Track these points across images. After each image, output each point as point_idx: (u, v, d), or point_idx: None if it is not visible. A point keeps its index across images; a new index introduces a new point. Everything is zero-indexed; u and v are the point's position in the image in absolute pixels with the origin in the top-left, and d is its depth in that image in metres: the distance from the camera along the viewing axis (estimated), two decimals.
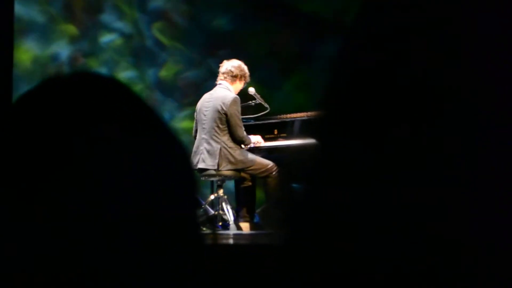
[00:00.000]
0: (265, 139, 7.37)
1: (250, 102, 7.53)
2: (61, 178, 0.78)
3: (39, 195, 0.78)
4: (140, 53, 9.37)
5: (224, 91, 7.01)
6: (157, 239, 0.80)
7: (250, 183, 7.26)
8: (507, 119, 0.68)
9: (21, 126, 0.83)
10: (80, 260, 0.77)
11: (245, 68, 7.12)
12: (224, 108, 6.87)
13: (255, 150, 7.20)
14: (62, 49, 8.91)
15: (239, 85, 7.10)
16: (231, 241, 5.66)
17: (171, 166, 0.84)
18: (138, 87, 8.72)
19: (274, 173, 6.97)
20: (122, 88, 0.87)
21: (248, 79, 7.14)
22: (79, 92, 0.85)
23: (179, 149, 0.87)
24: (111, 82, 0.88)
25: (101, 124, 0.82)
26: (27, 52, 8.67)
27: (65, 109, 0.82)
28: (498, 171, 0.67)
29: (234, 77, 7.07)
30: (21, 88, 7.58)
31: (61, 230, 0.77)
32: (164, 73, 9.47)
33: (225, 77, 7.09)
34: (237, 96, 7.00)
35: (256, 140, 7.23)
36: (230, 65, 7.11)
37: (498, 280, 0.67)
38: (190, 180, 0.87)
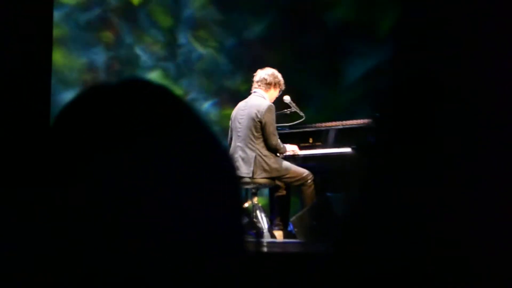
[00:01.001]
0: (300, 148, 7.37)
1: (286, 110, 7.53)
2: (107, 184, 0.78)
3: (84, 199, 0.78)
4: (176, 60, 9.43)
5: (259, 99, 7.02)
6: (201, 243, 0.79)
7: (284, 192, 7.26)
8: None
9: (67, 134, 0.82)
10: (119, 260, 0.77)
11: (279, 75, 7.12)
12: (259, 116, 6.88)
13: (290, 158, 7.19)
14: (98, 56, 8.99)
15: (274, 93, 7.10)
16: (265, 249, 5.65)
17: (219, 175, 0.84)
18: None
19: (309, 181, 6.96)
20: (172, 96, 0.87)
21: (283, 86, 7.14)
22: (128, 100, 0.84)
23: (225, 158, 0.87)
24: (161, 90, 0.87)
25: (149, 132, 0.81)
26: (63, 58, 8.76)
27: (112, 118, 0.82)
28: None
29: (268, 84, 7.08)
30: (57, 94, 7.69)
31: (111, 230, 0.77)
32: (199, 81, 9.51)
33: (259, 85, 7.10)
34: (272, 104, 7.01)
35: (292, 149, 7.23)
36: (264, 73, 7.12)
37: (498, 280, 0.67)
38: (236, 186, 0.86)
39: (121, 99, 0.84)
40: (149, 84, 0.87)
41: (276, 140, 6.96)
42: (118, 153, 0.79)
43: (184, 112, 0.86)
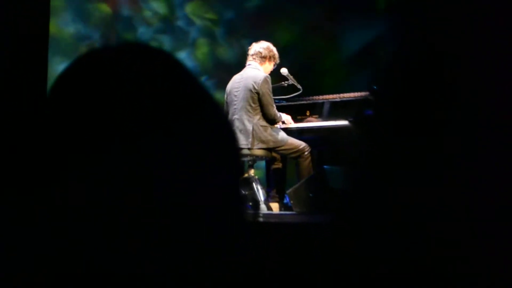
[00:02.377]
0: (297, 120, 7.36)
1: (283, 83, 7.52)
2: (106, 149, 0.78)
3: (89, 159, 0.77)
4: (173, 33, 9.38)
5: (254, 71, 7.02)
6: (202, 210, 0.79)
7: (280, 164, 7.28)
8: None
9: (67, 99, 0.82)
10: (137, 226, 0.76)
11: (274, 49, 7.11)
12: (256, 87, 6.87)
13: (286, 130, 7.19)
14: (95, 28, 8.95)
15: (268, 67, 7.09)
16: (261, 219, 5.66)
17: (219, 142, 0.83)
18: None
19: (306, 153, 6.97)
20: (173, 61, 0.85)
21: (277, 60, 7.12)
22: (127, 63, 0.83)
23: (225, 124, 0.86)
24: (161, 54, 0.86)
25: (149, 96, 0.81)
26: (60, 30, 8.71)
27: (111, 80, 0.81)
28: None
29: (263, 58, 7.07)
30: (54, 65, 7.64)
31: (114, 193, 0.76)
32: (196, 53, 9.47)
33: (254, 58, 7.09)
34: (268, 75, 7.00)
35: (286, 119, 7.24)
36: (259, 46, 7.10)
37: (498, 280, 0.67)
38: (237, 156, 0.86)
39: (121, 62, 0.83)
40: (149, 48, 0.86)
41: (273, 110, 6.96)
42: (118, 114, 0.79)
43: (185, 77, 0.85)
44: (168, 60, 0.86)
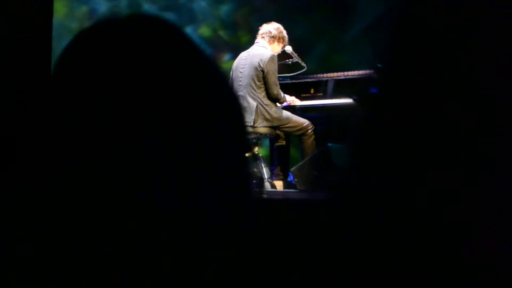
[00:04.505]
0: (301, 98, 7.35)
1: (287, 60, 7.51)
2: (110, 123, 0.78)
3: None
4: (178, 10, 9.36)
5: (262, 49, 7.01)
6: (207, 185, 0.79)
7: (284, 142, 7.28)
8: None
9: (72, 67, 0.81)
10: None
11: (284, 31, 7.12)
12: (262, 65, 6.86)
13: (290, 109, 7.18)
14: (99, 5, 8.92)
15: (276, 47, 7.09)
16: (265, 196, 5.67)
17: (225, 117, 0.83)
18: None
19: (309, 131, 6.97)
20: (179, 33, 0.84)
21: (286, 42, 7.13)
22: (135, 35, 0.82)
23: (232, 99, 0.86)
24: (169, 26, 0.85)
25: (155, 68, 0.80)
26: (64, 7, 8.69)
27: (118, 52, 0.80)
28: None
29: (272, 37, 7.06)
30: (57, 41, 7.61)
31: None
32: (202, 30, 9.44)
33: (263, 37, 7.10)
34: (275, 54, 6.99)
35: (291, 99, 7.23)
36: (271, 26, 7.12)
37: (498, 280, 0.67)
38: (243, 132, 0.86)
39: (126, 34, 0.82)
40: (158, 19, 0.85)
41: (277, 90, 6.95)
42: (124, 83, 0.79)
43: (192, 49, 0.84)
44: (174, 32, 0.85)
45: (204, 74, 0.84)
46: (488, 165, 0.68)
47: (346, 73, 7.39)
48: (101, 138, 0.77)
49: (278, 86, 6.99)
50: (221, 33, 9.51)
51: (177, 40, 0.84)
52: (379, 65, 0.79)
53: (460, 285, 0.68)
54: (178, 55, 0.83)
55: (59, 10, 8.39)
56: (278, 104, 7.05)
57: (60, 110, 0.79)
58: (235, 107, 0.86)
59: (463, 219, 0.68)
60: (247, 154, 0.86)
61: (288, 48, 7.40)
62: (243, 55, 7.13)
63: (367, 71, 0.82)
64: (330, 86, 7.40)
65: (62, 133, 0.78)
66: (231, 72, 7.19)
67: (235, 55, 7.30)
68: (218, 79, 0.85)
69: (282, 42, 7.12)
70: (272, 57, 6.91)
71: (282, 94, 7.03)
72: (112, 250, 0.75)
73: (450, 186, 0.69)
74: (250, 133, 6.90)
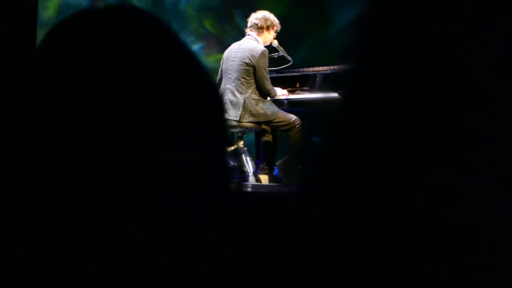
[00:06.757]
0: (288, 92, 7.36)
1: (273, 54, 7.50)
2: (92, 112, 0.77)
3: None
4: (163, 4, 9.33)
5: (253, 43, 7.01)
6: (187, 181, 0.79)
7: (271, 136, 7.27)
8: None
9: (50, 58, 0.80)
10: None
11: (271, 17, 7.09)
12: (252, 61, 6.86)
13: (276, 103, 7.18)
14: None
15: (268, 36, 7.10)
16: (249, 189, 5.67)
17: (205, 110, 0.83)
18: None
19: (297, 126, 6.97)
20: (160, 23, 0.84)
21: (277, 27, 7.12)
22: (114, 26, 0.82)
23: (212, 92, 0.85)
24: (149, 17, 0.85)
25: (135, 60, 0.79)
26: (54, 5, 8.65)
27: (97, 43, 0.80)
28: None
29: (260, 28, 7.06)
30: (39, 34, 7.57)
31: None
32: (188, 25, 9.43)
33: (251, 30, 7.10)
34: (265, 49, 6.99)
35: (282, 93, 7.23)
36: (255, 17, 7.11)
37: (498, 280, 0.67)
38: (223, 125, 0.86)
39: (108, 24, 0.82)
40: (137, 10, 0.85)
41: (269, 85, 6.96)
42: (104, 77, 0.78)
43: (172, 40, 0.84)
44: (154, 23, 0.85)
45: (186, 67, 0.84)
46: (488, 165, 0.68)
47: (332, 67, 7.39)
48: (79, 135, 0.77)
49: (269, 81, 6.99)
50: (207, 26, 9.49)
51: (157, 31, 0.84)
52: (364, 60, 0.78)
53: (460, 285, 0.68)
54: (159, 47, 0.82)
55: (47, 2, 8.36)
56: (269, 98, 7.04)
57: (40, 105, 0.79)
58: (213, 100, 0.86)
59: (463, 219, 0.68)
60: (228, 149, 0.86)
61: (274, 42, 7.40)
62: (233, 47, 7.11)
63: (353, 66, 0.81)
64: (316, 80, 7.40)
65: (46, 132, 0.78)
66: (221, 62, 7.17)
67: (222, 49, 7.28)
68: (199, 72, 0.85)
69: (272, 29, 7.11)
70: (262, 53, 6.91)
71: (273, 88, 7.02)
72: (112, 250, 0.75)
73: (450, 186, 0.69)
74: (235, 127, 6.89)
